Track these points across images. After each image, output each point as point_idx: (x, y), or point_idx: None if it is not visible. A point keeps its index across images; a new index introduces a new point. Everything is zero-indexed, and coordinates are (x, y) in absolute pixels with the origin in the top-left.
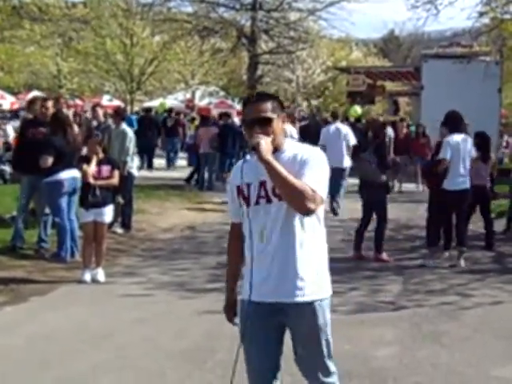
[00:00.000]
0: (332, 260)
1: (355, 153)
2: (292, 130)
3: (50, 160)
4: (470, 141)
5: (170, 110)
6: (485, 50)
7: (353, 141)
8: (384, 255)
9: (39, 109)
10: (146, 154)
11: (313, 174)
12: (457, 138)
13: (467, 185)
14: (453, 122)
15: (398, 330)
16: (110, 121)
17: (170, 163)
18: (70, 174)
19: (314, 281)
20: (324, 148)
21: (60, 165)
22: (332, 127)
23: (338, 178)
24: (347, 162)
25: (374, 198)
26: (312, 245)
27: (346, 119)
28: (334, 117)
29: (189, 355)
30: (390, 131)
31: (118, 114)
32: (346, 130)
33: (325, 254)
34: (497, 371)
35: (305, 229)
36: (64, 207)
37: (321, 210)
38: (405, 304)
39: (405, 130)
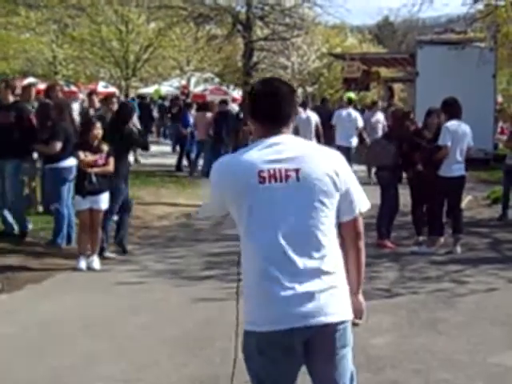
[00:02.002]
0: None
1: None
2: (316, 119)
3: (58, 145)
4: (467, 127)
5: (163, 98)
6: (479, 37)
7: (361, 123)
8: (387, 241)
9: (2, 92)
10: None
11: (357, 190)
12: (455, 123)
13: (463, 171)
14: (451, 108)
15: (395, 317)
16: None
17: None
18: (73, 162)
19: None
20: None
21: (66, 151)
22: (344, 111)
23: (344, 156)
24: (355, 142)
25: (383, 182)
26: None
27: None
28: (349, 103)
29: (185, 343)
30: (381, 116)
31: (110, 101)
32: (355, 114)
33: None
34: (494, 358)
35: None
36: (65, 195)
37: None
38: (401, 291)
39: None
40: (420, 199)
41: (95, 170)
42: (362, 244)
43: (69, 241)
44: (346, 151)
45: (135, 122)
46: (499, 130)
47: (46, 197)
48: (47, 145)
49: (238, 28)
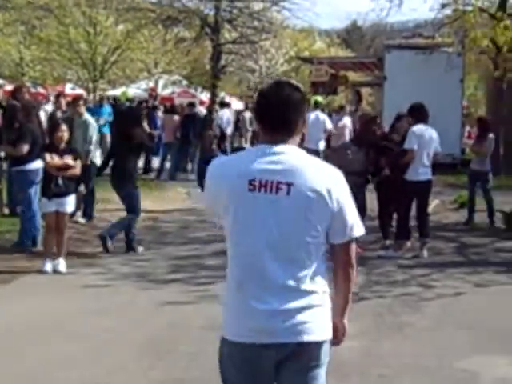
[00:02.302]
0: None
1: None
2: (327, 122)
3: (26, 147)
4: (434, 132)
5: (131, 100)
6: (447, 42)
7: (329, 126)
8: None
9: None
10: None
11: (352, 213)
12: (421, 127)
13: (429, 175)
14: (418, 113)
15: (361, 322)
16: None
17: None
18: (40, 164)
19: None
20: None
21: (33, 154)
22: (312, 114)
23: None
24: (322, 145)
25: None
26: None
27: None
28: (315, 106)
29: (151, 347)
30: (348, 121)
31: (77, 104)
32: (323, 117)
33: None
34: (460, 363)
35: None
36: (32, 197)
37: None
38: (367, 295)
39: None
40: (387, 203)
41: (61, 172)
42: (352, 272)
43: (34, 243)
44: (314, 154)
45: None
46: (466, 134)
47: (13, 199)
48: (14, 147)
49: (206, 31)
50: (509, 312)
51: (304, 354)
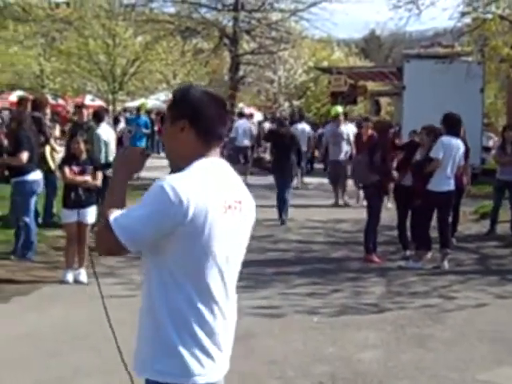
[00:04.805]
0: (314, 262)
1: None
2: (309, 131)
3: (25, 155)
4: (462, 145)
5: (149, 111)
6: (466, 51)
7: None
8: (374, 256)
9: None
10: None
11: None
12: (450, 138)
13: (452, 187)
14: (451, 124)
15: (382, 332)
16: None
17: None
18: (39, 175)
19: None
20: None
21: (32, 163)
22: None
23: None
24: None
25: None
26: None
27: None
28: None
29: None
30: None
31: (98, 116)
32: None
33: None
34: (482, 375)
35: None
36: (32, 208)
37: None
38: (388, 306)
39: (370, 132)
40: (406, 213)
41: (82, 183)
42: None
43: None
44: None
45: None
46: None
47: (14, 210)
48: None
49: (224, 42)
50: None
51: None
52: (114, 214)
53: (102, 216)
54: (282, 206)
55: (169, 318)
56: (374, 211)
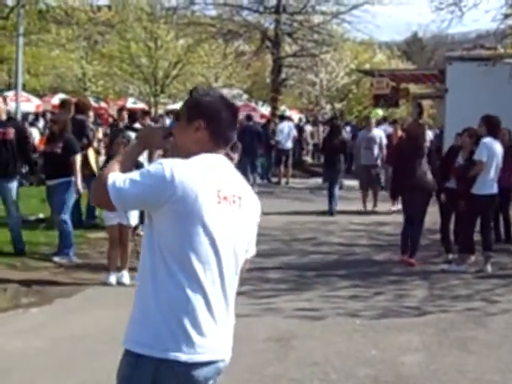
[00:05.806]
0: (356, 264)
1: None
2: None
3: (79, 158)
4: (501, 147)
5: None
6: (509, 53)
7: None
8: (410, 258)
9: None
10: None
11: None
12: (492, 140)
13: (495, 189)
14: (491, 125)
15: (425, 336)
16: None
17: None
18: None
19: None
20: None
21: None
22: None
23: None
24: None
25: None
26: None
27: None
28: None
29: None
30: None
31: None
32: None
33: None
34: None
35: None
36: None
37: None
38: (430, 309)
39: (399, 133)
40: (449, 217)
41: None
42: None
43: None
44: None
45: None
46: None
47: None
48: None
49: (266, 44)
50: None
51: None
52: (114, 175)
53: (104, 172)
54: (331, 198)
55: (153, 293)
56: (424, 216)
